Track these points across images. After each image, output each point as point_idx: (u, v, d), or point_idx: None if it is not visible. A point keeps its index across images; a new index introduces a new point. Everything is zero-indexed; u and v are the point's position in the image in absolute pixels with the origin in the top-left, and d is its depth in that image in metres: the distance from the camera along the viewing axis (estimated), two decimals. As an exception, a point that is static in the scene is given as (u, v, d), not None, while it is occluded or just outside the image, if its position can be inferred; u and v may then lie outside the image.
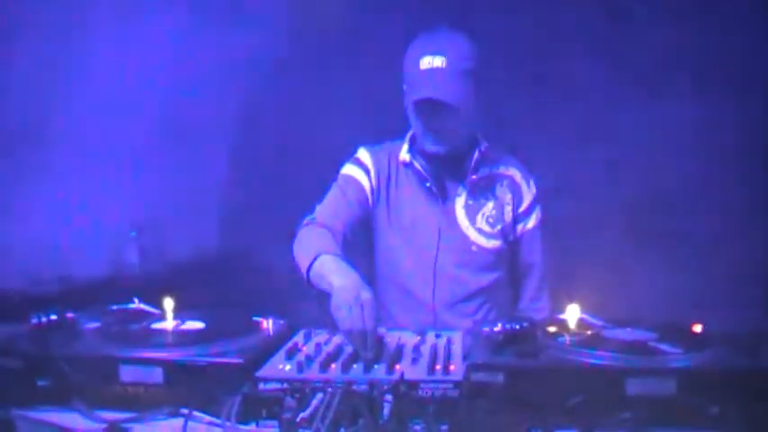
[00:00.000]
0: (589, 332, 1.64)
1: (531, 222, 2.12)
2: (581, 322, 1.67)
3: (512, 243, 2.11)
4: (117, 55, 2.98)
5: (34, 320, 1.55)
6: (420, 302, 2.07)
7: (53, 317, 1.56)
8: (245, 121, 3.27)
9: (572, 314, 1.70)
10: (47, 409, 1.45)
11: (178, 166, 3.17)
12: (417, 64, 1.91)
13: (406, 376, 1.39)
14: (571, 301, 1.72)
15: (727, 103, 2.87)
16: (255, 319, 1.75)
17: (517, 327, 1.47)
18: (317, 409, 1.30)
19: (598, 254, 2.79)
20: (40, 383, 1.48)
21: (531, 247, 2.12)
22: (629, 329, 1.63)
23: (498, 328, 1.47)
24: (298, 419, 1.30)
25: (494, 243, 2.07)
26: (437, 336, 1.72)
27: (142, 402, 1.44)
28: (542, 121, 2.95)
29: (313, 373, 1.43)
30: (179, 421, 1.38)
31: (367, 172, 2.09)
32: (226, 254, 3.35)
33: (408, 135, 2.11)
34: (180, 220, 3.27)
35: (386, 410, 1.32)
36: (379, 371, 1.44)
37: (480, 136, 2.08)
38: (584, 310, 1.71)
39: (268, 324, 1.72)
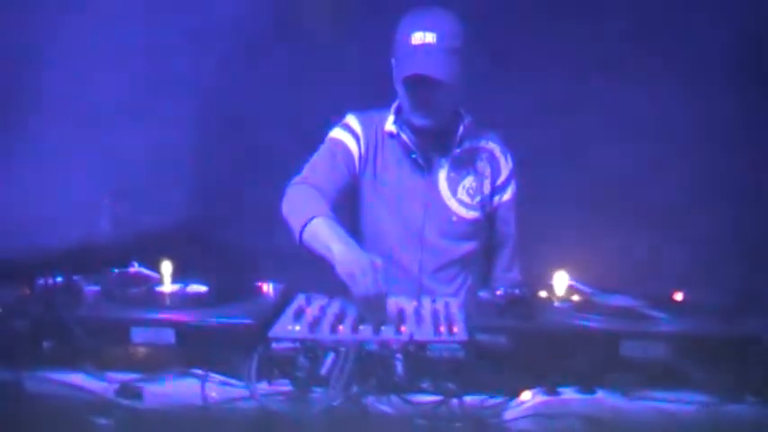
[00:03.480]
0: (580, 298, 1.72)
1: (507, 195, 2.20)
2: (571, 289, 1.75)
3: (488, 214, 2.19)
4: (92, 23, 2.97)
5: (40, 282, 1.56)
6: (405, 270, 2.13)
7: (59, 279, 1.57)
8: (218, 91, 3.26)
9: (561, 281, 1.77)
10: (54, 370, 1.45)
11: (151, 134, 3.17)
12: (409, 39, 1.95)
13: (415, 337, 1.45)
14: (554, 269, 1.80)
15: (690, 82, 2.97)
16: (257, 283, 1.79)
17: (517, 291, 1.54)
18: (331, 368, 1.36)
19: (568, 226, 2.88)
20: (46, 345, 1.49)
21: (507, 219, 2.22)
22: (618, 296, 1.71)
23: (500, 292, 1.54)
24: (312, 378, 1.36)
25: (472, 214, 2.15)
26: (433, 301, 1.78)
27: (152, 363, 1.47)
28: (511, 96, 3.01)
29: (324, 333, 1.48)
30: (190, 381, 1.42)
31: (356, 138, 2.13)
32: (195, 223, 3.37)
33: (394, 106, 2.15)
34: (152, 189, 3.27)
35: (397, 369, 1.38)
36: (388, 332, 1.49)
37: (463, 110, 2.14)
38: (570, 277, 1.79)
39: (269, 288, 1.76)
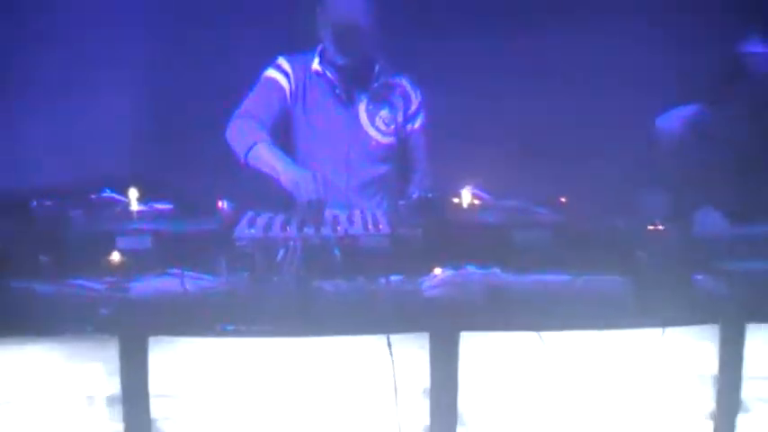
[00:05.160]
0: (480, 202, 2.11)
1: (417, 123, 2.61)
2: (474, 195, 2.14)
3: (402, 140, 2.60)
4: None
5: (33, 206, 1.85)
6: (334, 187, 2.46)
7: (49, 203, 1.87)
8: (156, 52, 3.41)
9: (467, 192, 2.16)
10: (56, 277, 1.73)
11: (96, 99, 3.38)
12: None
13: (350, 233, 1.82)
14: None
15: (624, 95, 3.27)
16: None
17: (429, 195, 1.93)
18: (283, 259, 1.72)
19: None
20: (44, 259, 1.79)
21: (417, 144, 2.63)
22: (512, 201, 2.11)
23: (416, 195, 1.92)
24: (269, 268, 1.72)
25: (388, 139, 2.56)
26: (362, 211, 2.14)
27: (135, 267, 1.78)
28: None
29: (275, 233, 1.83)
30: (170, 279, 1.75)
31: (287, 76, 2.50)
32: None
33: (318, 48, 2.51)
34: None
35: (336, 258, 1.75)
36: (327, 230, 1.85)
37: (378, 51, 2.51)
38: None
39: (223, 204, 2.09)
